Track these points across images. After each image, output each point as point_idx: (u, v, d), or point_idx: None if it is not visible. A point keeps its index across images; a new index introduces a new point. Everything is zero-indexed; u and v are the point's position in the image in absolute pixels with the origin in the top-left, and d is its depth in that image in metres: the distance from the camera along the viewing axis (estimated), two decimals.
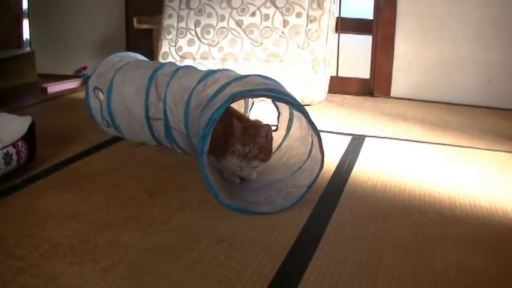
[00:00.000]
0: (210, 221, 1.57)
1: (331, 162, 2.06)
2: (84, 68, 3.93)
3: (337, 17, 3.24)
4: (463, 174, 2.00)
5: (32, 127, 1.96)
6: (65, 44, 4.08)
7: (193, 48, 3.17)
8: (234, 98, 1.59)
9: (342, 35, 3.49)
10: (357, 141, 2.36)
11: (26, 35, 4.09)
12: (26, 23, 4.09)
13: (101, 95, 2.22)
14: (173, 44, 3.22)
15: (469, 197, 1.77)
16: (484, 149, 2.29)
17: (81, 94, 2.66)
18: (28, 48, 4.05)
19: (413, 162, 2.13)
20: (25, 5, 4.07)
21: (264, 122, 1.86)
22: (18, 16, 4.05)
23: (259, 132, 1.71)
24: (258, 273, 1.29)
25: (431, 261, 1.36)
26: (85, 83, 3.35)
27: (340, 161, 2.11)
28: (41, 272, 1.28)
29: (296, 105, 1.64)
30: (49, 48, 4.09)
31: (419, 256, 1.39)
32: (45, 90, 3.44)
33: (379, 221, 1.59)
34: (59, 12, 4.06)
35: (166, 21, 3.28)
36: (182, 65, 2.33)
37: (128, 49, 3.76)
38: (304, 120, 1.69)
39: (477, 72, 3.15)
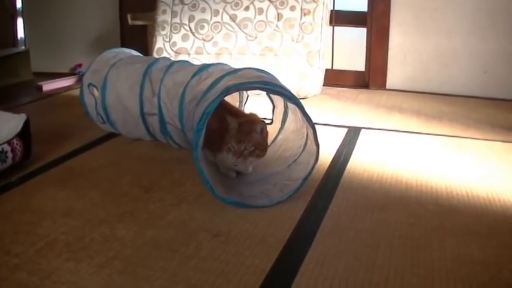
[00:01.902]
0: (206, 215, 1.56)
1: (327, 155, 2.05)
2: (79, 65, 3.92)
3: (331, 10, 3.24)
4: (459, 164, 2.00)
5: (26, 124, 1.95)
6: (60, 41, 4.07)
7: (188, 43, 3.16)
8: (228, 91, 1.58)
9: (337, 28, 3.48)
10: (352, 133, 2.36)
11: (20, 33, 4.08)
12: (20, 22, 4.07)
13: (95, 92, 2.21)
14: (167, 40, 3.21)
15: (466, 187, 1.77)
16: (480, 139, 2.29)
17: (77, 91, 2.66)
18: (23, 47, 4.05)
19: (410, 153, 2.12)
20: (19, 4, 4.05)
21: (259, 115, 1.85)
22: (13, 15, 4.04)
23: (254, 129, 1.71)
24: (254, 267, 1.29)
25: (428, 252, 1.36)
26: (80, 80, 3.33)
27: (336, 153, 2.11)
28: (37, 269, 1.28)
29: (290, 98, 1.64)
30: (44, 46, 4.08)
31: (416, 247, 1.39)
32: (40, 88, 3.43)
33: (376, 213, 1.59)
34: (53, 10, 4.05)
35: (160, 17, 3.27)
36: (178, 60, 2.32)
37: (123, 46, 3.74)
38: (299, 112, 1.69)
39: (473, 63, 3.15)
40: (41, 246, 1.38)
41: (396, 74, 3.33)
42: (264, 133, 1.74)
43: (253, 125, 1.71)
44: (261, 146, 1.73)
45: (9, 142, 1.84)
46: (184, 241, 1.41)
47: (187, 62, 2.25)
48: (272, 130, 1.98)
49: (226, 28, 3.11)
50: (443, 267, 1.29)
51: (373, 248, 1.38)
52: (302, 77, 2.96)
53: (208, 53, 3.11)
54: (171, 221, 1.53)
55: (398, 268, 1.28)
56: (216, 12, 3.15)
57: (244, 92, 2.21)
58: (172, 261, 1.31)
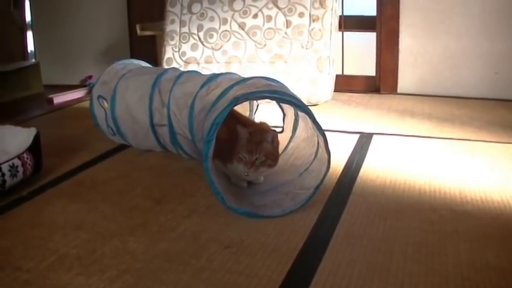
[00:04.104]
0: (217, 226, 1.55)
1: (339, 162, 2.04)
2: (90, 77, 3.93)
3: (340, 15, 3.23)
4: (472, 168, 1.97)
5: (36, 138, 1.95)
6: (70, 54, 4.10)
7: (197, 52, 3.16)
8: (237, 101, 1.57)
9: (346, 33, 3.48)
10: (364, 139, 2.35)
11: (30, 46, 4.10)
12: (30, 35, 4.10)
13: (105, 104, 2.21)
14: (177, 50, 3.21)
15: (479, 191, 1.75)
16: (493, 142, 2.26)
17: (87, 103, 2.66)
18: (33, 60, 4.07)
19: (422, 158, 2.11)
20: (28, 17, 4.08)
21: (270, 124, 1.84)
22: (22, 28, 4.06)
23: (265, 138, 1.69)
24: (267, 278, 1.27)
25: (443, 258, 1.34)
26: (90, 92, 3.34)
27: (348, 160, 2.09)
28: (48, 284, 1.27)
29: (300, 106, 1.62)
30: (54, 59, 4.11)
31: (430, 253, 1.37)
32: (51, 101, 3.44)
33: (389, 220, 1.57)
34: (63, 22, 4.07)
35: (169, 27, 3.28)
36: (186, 70, 2.31)
37: (132, 56, 3.76)
38: (309, 120, 1.67)
39: (483, 65, 3.13)
40: (52, 260, 1.38)
41: (407, 77, 3.32)
42: (275, 142, 1.72)
43: (264, 135, 1.69)
44: (272, 156, 1.71)
45: (19, 156, 1.84)
46: (196, 253, 1.40)
47: (196, 72, 2.25)
48: (283, 138, 1.97)
49: (235, 36, 3.11)
50: (458, 274, 1.27)
51: (387, 256, 1.36)
52: (312, 83, 2.95)
53: (217, 62, 3.11)
54: (182, 233, 1.52)
55: (412, 276, 1.27)
56: (225, 21, 3.15)
57: (254, 100, 2.20)
58: (184, 274, 1.30)
